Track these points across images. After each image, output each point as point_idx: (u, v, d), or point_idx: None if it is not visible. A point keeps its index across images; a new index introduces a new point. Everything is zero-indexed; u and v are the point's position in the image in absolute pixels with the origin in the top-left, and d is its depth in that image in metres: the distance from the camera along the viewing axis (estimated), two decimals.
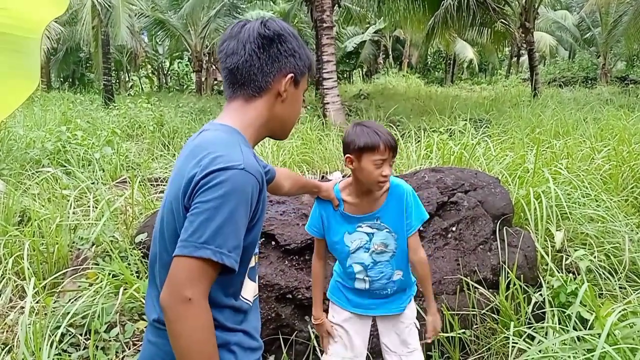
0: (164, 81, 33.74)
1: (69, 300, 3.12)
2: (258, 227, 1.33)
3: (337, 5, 13.65)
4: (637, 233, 3.97)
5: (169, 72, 34.51)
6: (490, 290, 3.10)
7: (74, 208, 4.44)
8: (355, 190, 2.05)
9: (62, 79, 28.52)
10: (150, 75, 35.00)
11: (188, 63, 31.95)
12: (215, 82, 27.43)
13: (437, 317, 2.19)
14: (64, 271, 3.54)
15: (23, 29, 1.09)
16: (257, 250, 1.42)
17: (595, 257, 3.53)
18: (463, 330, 2.90)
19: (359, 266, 2.09)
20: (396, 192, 2.05)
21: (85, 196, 4.74)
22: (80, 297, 3.08)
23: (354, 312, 2.19)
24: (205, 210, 1.17)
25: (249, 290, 1.40)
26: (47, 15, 1.13)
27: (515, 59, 32.24)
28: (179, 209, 1.24)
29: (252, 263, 1.40)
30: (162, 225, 1.30)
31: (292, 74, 1.37)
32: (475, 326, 2.99)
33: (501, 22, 14.91)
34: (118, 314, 3.03)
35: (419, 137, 6.54)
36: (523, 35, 15.02)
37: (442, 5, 13.52)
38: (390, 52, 33.14)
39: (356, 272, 2.11)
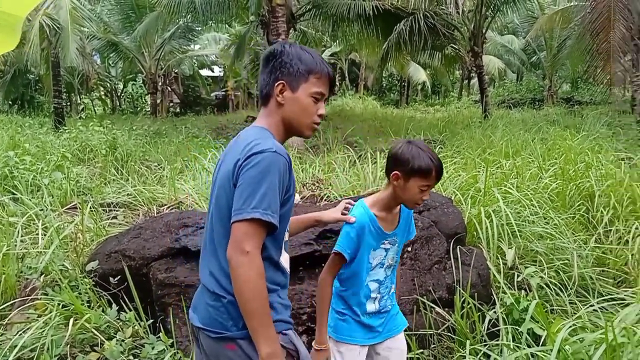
0: (118, 103, 32.94)
1: (17, 332, 2.98)
2: (291, 200, 1.67)
3: (292, 28, 13.79)
4: (585, 249, 4.11)
5: (123, 94, 33.80)
6: (446, 309, 3.15)
7: (22, 236, 4.28)
8: (387, 205, 2.05)
9: (10, 102, 27.46)
10: (103, 97, 34.14)
11: (142, 85, 31.42)
12: (171, 104, 27.06)
13: None
14: (11, 302, 3.39)
15: None
16: (287, 227, 1.74)
17: (545, 273, 3.63)
18: (421, 350, 2.93)
19: (375, 284, 2.09)
20: (405, 210, 2.15)
21: (34, 223, 4.57)
22: (28, 329, 2.95)
23: (364, 345, 2.09)
24: (250, 184, 1.52)
25: (285, 259, 1.73)
26: None
27: (466, 81, 33.25)
28: (229, 187, 1.59)
29: (286, 237, 1.73)
30: (217, 207, 1.65)
31: (281, 82, 1.68)
32: (432, 346, 3.02)
33: (451, 46, 15.41)
34: (69, 345, 2.91)
35: (375, 158, 6.62)
36: (473, 58, 15.55)
37: (395, 30, 13.82)
38: (346, 75, 33.58)
39: (372, 290, 2.08)
